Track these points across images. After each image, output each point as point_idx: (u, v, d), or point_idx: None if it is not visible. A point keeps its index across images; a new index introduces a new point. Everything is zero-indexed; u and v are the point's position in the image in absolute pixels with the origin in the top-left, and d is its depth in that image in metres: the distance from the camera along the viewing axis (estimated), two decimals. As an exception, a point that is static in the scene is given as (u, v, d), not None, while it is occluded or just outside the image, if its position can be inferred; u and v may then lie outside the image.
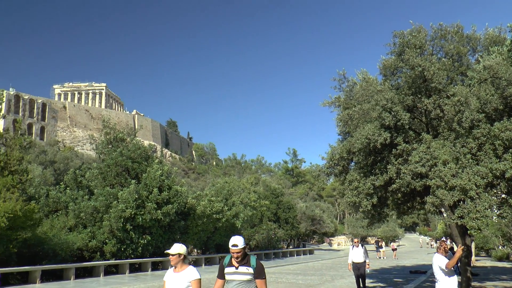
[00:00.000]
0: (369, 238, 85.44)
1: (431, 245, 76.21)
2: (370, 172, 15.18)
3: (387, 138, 13.69)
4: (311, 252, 54.79)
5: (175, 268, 5.61)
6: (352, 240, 18.60)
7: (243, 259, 5.60)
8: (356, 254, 17.53)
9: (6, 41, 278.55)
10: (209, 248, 36.85)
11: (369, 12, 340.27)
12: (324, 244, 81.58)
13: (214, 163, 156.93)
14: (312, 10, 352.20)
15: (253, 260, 5.65)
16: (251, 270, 5.58)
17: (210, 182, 58.12)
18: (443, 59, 14.67)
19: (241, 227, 37.16)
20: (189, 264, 5.68)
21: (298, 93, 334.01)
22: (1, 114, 26.95)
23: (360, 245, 17.77)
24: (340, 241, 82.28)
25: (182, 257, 5.58)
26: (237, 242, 5.51)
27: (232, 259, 5.62)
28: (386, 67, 15.28)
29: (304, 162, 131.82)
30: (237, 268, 5.58)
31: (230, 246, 5.54)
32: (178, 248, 5.58)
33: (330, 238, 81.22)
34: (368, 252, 18.53)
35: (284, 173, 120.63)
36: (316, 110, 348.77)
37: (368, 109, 14.48)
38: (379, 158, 15.35)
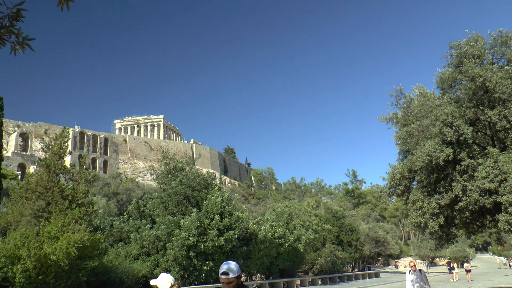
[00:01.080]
0: (437, 259, 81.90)
1: (509, 266, 71.73)
2: (433, 191, 14.62)
3: (449, 154, 13.17)
4: (376, 275, 53.20)
5: None
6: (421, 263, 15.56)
7: None
8: (413, 281, 14.77)
9: (71, 82, 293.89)
10: (272, 273, 36.53)
11: (423, 25, 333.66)
12: (390, 266, 79.02)
13: (274, 187, 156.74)
14: (363, 26, 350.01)
15: None
16: None
17: (270, 206, 58.00)
18: (505, 67, 14.04)
19: (304, 251, 36.65)
20: None
21: (354, 112, 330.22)
22: (68, 150, 28.28)
23: (418, 270, 15.04)
24: (406, 263, 79.38)
25: None
26: (227, 269, 4.26)
27: None
28: (443, 80, 14.82)
29: (365, 182, 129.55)
30: None
31: (219, 274, 4.34)
32: (155, 281, 5.04)
33: (395, 260, 78.62)
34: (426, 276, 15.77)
35: (344, 195, 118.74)
36: (373, 129, 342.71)
37: (427, 125, 14.04)
38: (442, 175, 14.78)
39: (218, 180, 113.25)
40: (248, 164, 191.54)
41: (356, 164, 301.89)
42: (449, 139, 13.43)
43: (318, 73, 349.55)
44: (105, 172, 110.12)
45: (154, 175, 35.85)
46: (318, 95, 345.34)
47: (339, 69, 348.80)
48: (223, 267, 4.28)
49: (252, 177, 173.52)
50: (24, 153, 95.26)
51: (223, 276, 4.25)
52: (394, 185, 15.71)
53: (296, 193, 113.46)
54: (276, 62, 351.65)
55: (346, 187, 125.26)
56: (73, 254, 19.47)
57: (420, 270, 15.05)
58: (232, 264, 4.32)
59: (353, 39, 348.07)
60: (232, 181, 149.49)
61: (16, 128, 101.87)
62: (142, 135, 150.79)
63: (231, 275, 4.24)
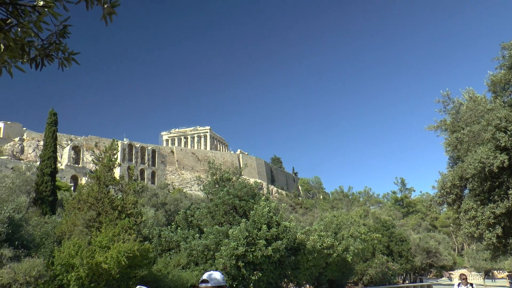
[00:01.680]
0: (496, 272, 78.58)
1: None
2: (488, 199, 14.04)
3: (504, 161, 12.64)
4: (429, 287, 51.63)
5: None
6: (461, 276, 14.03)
7: None
8: None
9: (119, 96, 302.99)
10: (321, 283, 36.12)
11: (471, 27, 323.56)
12: (443, 278, 76.45)
13: (321, 197, 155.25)
14: (408, 32, 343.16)
15: None
16: None
17: (318, 216, 57.45)
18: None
19: (353, 261, 36.08)
20: None
21: (401, 118, 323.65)
22: (117, 162, 29.05)
23: (469, 284, 13.96)
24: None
25: None
26: (208, 277, 3.95)
27: None
28: (495, 82, 14.27)
29: (414, 191, 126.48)
30: None
31: (199, 283, 4.05)
32: None
33: (449, 272, 75.98)
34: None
35: (393, 204, 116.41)
36: (422, 135, 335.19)
37: (479, 130, 13.55)
38: (497, 183, 14.18)
39: (265, 190, 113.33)
40: (295, 174, 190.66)
41: (404, 172, 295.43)
42: (503, 144, 12.88)
43: (364, 81, 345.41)
44: (153, 183, 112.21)
45: (201, 186, 36.29)
46: (365, 103, 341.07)
47: (385, 77, 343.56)
48: (204, 275, 4.01)
49: (299, 187, 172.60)
50: (76, 165, 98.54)
51: (202, 285, 3.97)
52: (445, 193, 15.18)
53: (344, 202, 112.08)
54: (320, 71, 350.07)
55: (395, 196, 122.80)
56: (123, 263, 19.96)
57: (471, 284, 14.10)
58: (215, 274, 4.02)
59: (398, 45, 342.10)
60: (279, 190, 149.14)
61: (69, 142, 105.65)
62: (189, 146, 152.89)
63: (210, 284, 3.93)
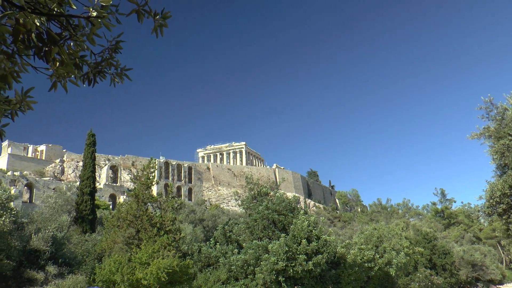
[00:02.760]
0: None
1: None
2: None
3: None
4: (476, 301, 49.86)
5: None
6: None
7: None
8: None
9: (155, 115, 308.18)
10: (363, 299, 35.31)
11: (505, 32, 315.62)
12: (491, 293, 73.52)
13: (359, 209, 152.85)
14: (446, 42, 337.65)
15: None
16: None
17: (358, 229, 56.52)
18: None
19: (395, 275, 35.19)
20: None
21: (437, 128, 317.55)
22: (155, 180, 29.38)
23: None
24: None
25: None
26: None
27: None
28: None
29: (455, 202, 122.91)
30: None
31: None
32: None
33: (497, 286, 73.07)
34: None
35: (433, 216, 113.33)
36: (460, 144, 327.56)
37: (528, 136, 13.00)
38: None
39: (302, 204, 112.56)
40: (332, 187, 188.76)
41: (443, 183, 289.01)
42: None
43: (401, 92, 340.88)
44: (190, 199, 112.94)
45: (239, 201, 36.31)
46: (402, 115, 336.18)
47: (423, 87, 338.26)
48: None
49: (337, 200, 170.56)
50: (114, 184, 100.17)
51: None
52: (494, 203, 14.56)
53: (383, 215, 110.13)
54: (356, 84, 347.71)
55: (435, 207, 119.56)
56: (163, 279, 20.05)
57: None
58: None
59: (433, 55, 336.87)
60: (317, 204, 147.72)
61: (107, 162, 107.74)
62: (225, 162, 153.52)
63: None
